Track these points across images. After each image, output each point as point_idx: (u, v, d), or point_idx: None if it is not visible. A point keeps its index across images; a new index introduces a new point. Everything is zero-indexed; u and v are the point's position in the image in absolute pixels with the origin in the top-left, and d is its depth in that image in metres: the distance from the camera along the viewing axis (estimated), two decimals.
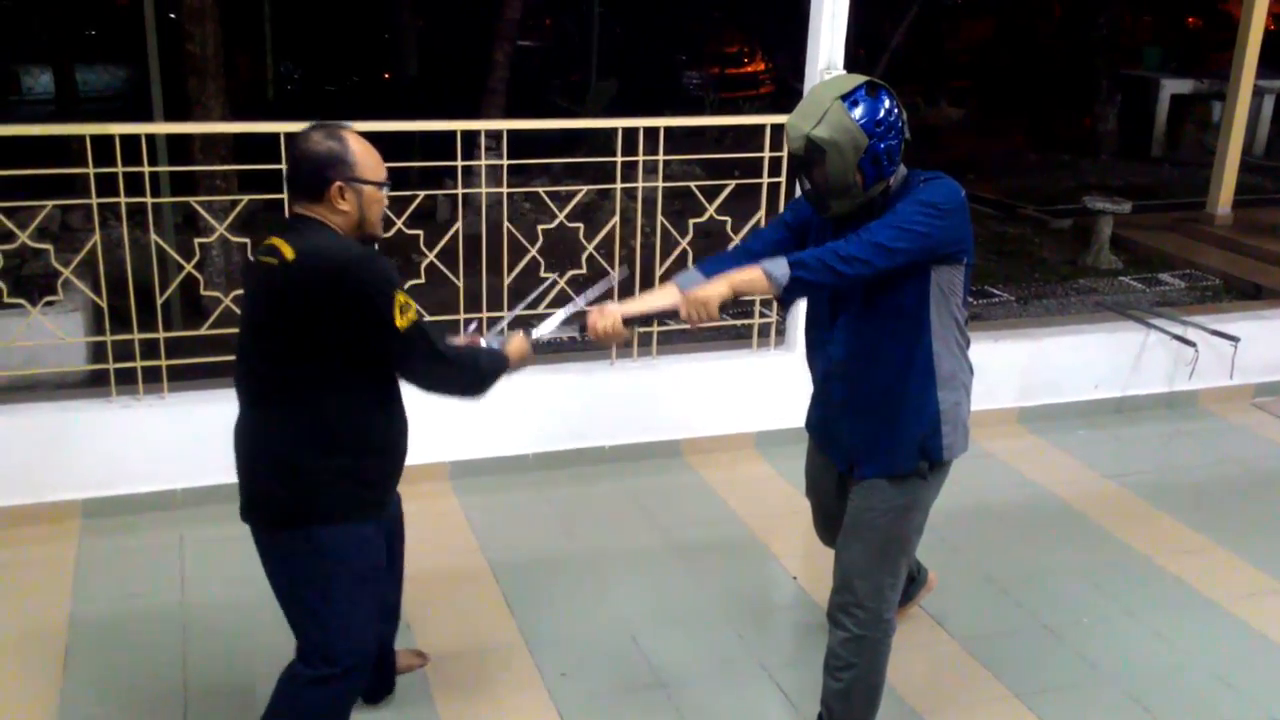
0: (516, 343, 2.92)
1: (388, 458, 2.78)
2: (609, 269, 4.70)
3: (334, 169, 2.56)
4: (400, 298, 2.51)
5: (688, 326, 2.82)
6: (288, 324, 2.55)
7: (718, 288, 2.72)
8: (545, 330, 2.98)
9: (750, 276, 2.71)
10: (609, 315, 2.83)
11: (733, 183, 4.82)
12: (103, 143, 4.03)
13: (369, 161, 2.61)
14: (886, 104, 2.67)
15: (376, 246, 2.71)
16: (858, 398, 2.88)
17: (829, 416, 3.01)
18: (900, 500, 2.87)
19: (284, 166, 4.15)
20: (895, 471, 2.86)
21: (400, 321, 2.52)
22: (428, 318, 2.97)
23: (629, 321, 2.84)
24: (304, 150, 2.59)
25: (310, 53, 16.28)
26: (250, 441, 2.69)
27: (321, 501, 2.65)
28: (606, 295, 3.07)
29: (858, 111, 2.63)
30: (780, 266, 2.67)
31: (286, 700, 2.78)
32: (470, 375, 2.77)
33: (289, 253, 2.52)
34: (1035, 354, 5.49)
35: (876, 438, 2.86)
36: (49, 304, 4.43)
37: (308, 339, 2.53)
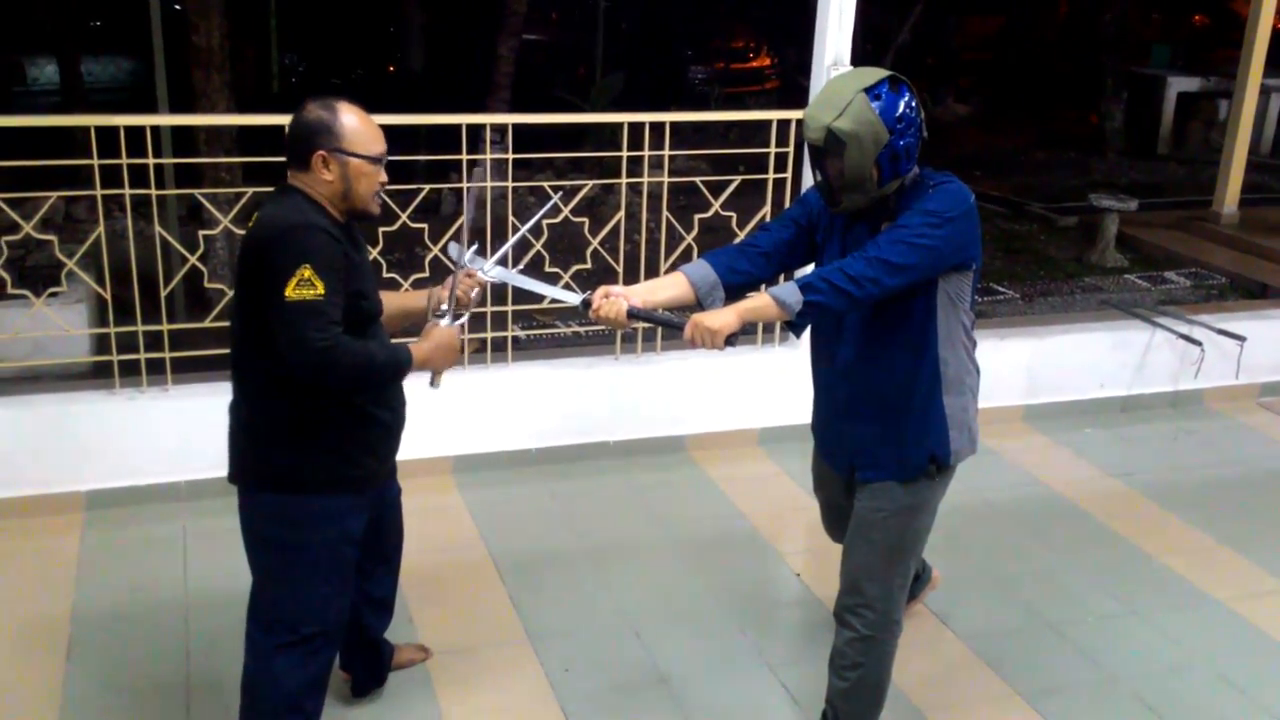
0: (434, 336, 2.76)
1: (370, 432, 2.75)
2: (611, 263, 4.71)
3: (319, 138, 2.56)
4: (305, 272, 2.44)
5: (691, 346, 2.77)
6: (244, 293, 2.58)
7: (726, 318, 2.66)
8: (454, 319, 2.83)
9: (760, 304, 2.67)
10: (614, 302, 2.77)
11: (738, 178, 4.80)
12: (107, 134, 4.02)
13: (360, 134, 2.59)
14: (908, 100, 2.64)
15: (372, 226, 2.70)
16: (863, 400, 2.85)
17: (832, 419, 2.98)
18: (908, 501, 2.85)
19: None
20: (902, 474, 2.84)
21: (290, 292, 2.44)
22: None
23: (633, 315, 2.81)
24: (296, 119, 2.61)
25: (315, 45, 16.27)
26: (234, 409, 2.73)
27: (295, 470, 2.66)
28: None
29: (880, 106, 2.60)
30: (791, 293, 2.61)
31: (260, 673, 2.78)
32: (351, 375, 2.56)
33: (252, 221, 2.58)
34: (1040, 352, 5.48)
35: (882, 441, 2.84)
36: (53, 295, 4.43)
37: (257, 307, 2.54)
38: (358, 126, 2.59)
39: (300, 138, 2.59)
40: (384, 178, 2.66)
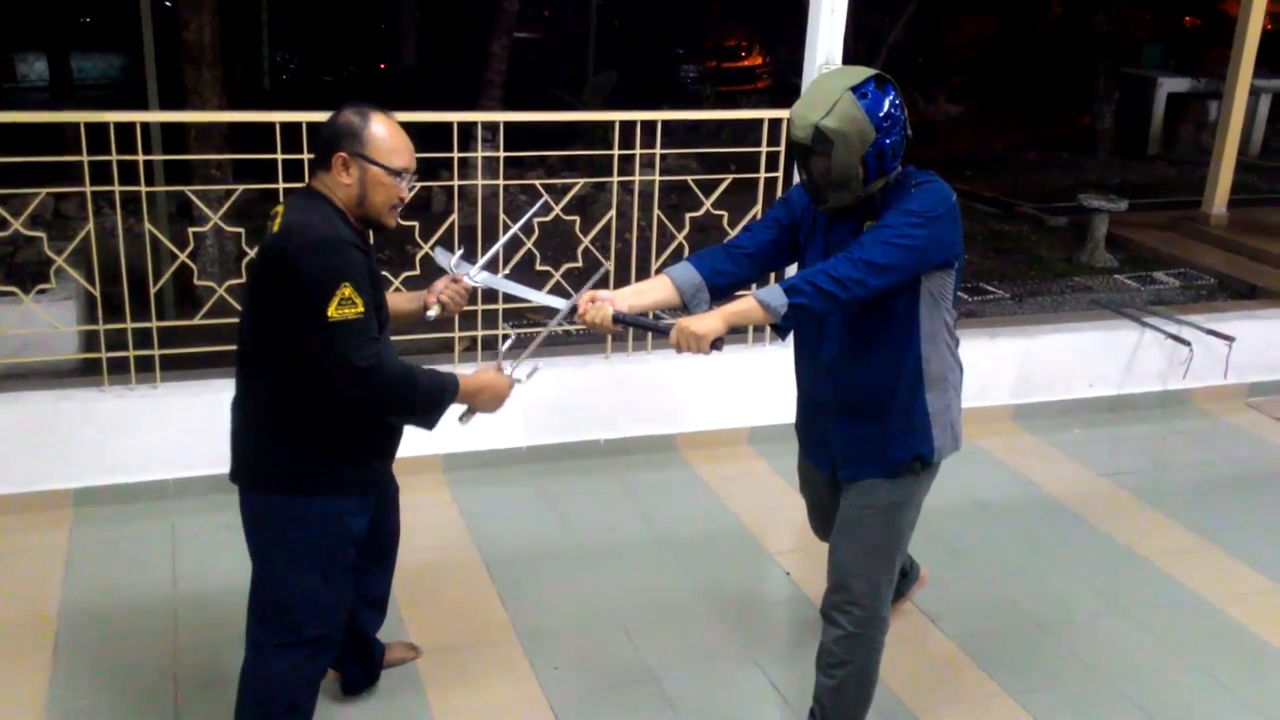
0: (488, 378, 2.81)
1: (376, 434, 2.75)
2: (602, 261, 4.70)
3: (343, 140, 2.57)
4: (345, 290, 2.45)
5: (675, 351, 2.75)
6: (261, 295, 2.57)
7: (711, 323, 2.66)
8: (522, 371, 2.88)
9: (745, 308, 2.67)
10: (600, 308, 2.79)
11: (729, 177, 4.81)
12: (97, 131, 4.02)
13: (387, 145, 2.58)
14: (893, 99, 2.66)
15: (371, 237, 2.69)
16: (846, 399, 2.86)
17: (816, 419, 2.99)
18: (892, 499, 2.86)
19: (279, 156, 4.16)
20: (886, 472, 2.85)
21: (333, 313, 2.45)
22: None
23: (618, 320, 2.80)
24: (328, 122, 2.61)
25: (307, 42, 16.25)
26: (238, 409, 2.72)
27: (298, 472, 2.65)
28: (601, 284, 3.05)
29: (866, 104, 2.61)
30: (776, 296, 2.62)
31: (260, 672, 2.78)
32: (394, 395, 2.59)
33: (276, 225, 2.56)
34: (1030, 351, 5.49)
35: (866, 439, 2.85)
36: (41, 292, 4.41)
37: (277, 312, 2.54)
38: (385, 136, 2.58)
39: (326, 138, 2.59)
40: (405, 194, 2.64)
